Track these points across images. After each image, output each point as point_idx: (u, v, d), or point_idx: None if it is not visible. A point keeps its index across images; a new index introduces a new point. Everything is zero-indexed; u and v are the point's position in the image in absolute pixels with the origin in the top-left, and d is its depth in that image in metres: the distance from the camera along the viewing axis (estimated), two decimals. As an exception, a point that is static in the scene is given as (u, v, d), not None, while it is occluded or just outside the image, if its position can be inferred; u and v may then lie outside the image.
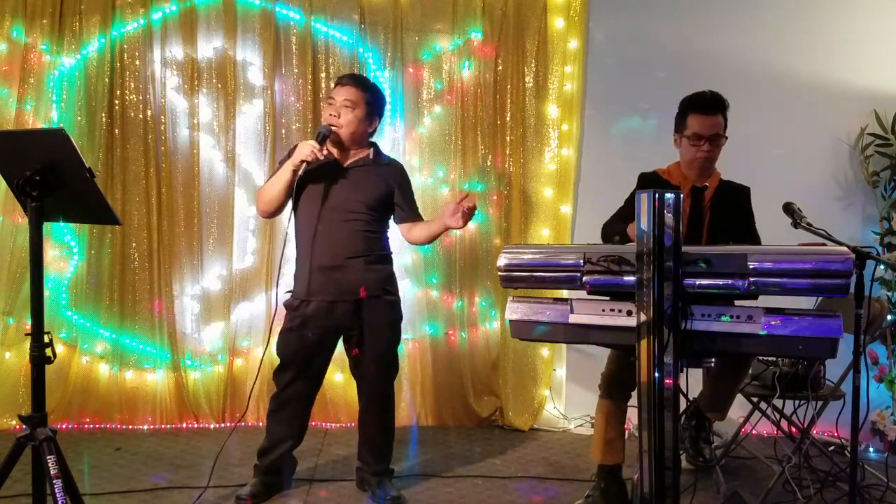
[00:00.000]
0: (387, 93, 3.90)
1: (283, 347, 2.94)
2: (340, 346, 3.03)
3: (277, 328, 3.02)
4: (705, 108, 2.80)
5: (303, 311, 2.88)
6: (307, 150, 2.75)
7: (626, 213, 2.88)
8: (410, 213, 3.00)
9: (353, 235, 2.85)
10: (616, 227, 2.74)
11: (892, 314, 3.69)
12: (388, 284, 2.96)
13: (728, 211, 2.85)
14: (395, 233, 3.06)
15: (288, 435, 2.98)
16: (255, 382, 3.23)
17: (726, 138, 2.84)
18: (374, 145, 3.00)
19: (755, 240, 2.85)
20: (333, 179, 2.87)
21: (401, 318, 3.01)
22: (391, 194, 2.94)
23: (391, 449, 3.06)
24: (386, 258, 2.97)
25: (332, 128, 2.83)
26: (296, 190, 2.83)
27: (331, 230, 2.84)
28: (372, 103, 2.89)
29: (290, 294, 2.94)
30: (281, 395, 2.97)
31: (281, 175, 2.84)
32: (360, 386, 3.02)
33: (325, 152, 2.80)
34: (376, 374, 2.96)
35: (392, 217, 3.00)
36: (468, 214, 2.79)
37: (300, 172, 2.77)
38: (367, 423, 3.02)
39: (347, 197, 2.85)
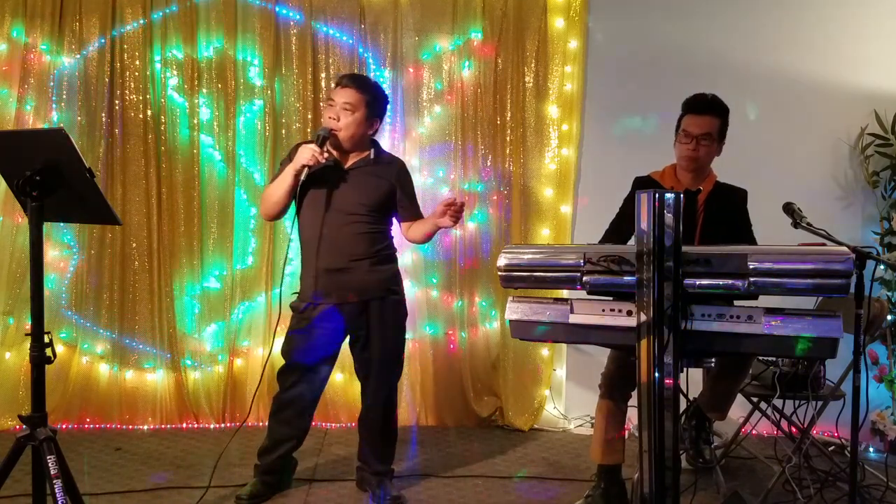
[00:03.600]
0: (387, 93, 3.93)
1: (288, 350, 2.93)
2: (344, 346, 3.02)
3: (281, 328, 3.01)
4: (698, 108, 2.83)
5: (309, 314, 2.88)
6: (308, 154, 2.74)
7: (621, 223, 2.90)
8: (411, 211, 2.99)
9: (358, 237, 2.84)
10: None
11: (892, 314, 3.69)
12: (394, 284, 2.96)
13: (722, 214, 2.85)
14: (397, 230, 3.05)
15: (290, 435, 2.98)
16: (259, 384, 3.19)
17: (721, 142, 2.84)
18: (375, 144, 2.98)
19: (749, 242, 2.83)
20: (336, 182, 2.86)
21: (406, 315, 3.02)
22: (393, 193, 2.92)
23: (393, 450, 3.06)
24: (390, 257, 2.97)
25: (332, 130, 2.82)
26: (298, 193, 2.83)
27: (335, 233, 2.83)
28: (372, 105, 2.87)
29: (296, 296, 2.94)
30: (283, 396, 2.96)
31: (283, 179, 2.83)
32: (364, 386, 3.02)
33: (325, 155, 2.79)
34: (382, 376, 2.95)
35: (395, 215, 3.00)
36: (455, 214, 2.77)
37: (302, 177, 2.77)
38: (370, 425, 3.01)
39: (350, 199, 2.85)
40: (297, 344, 2.91)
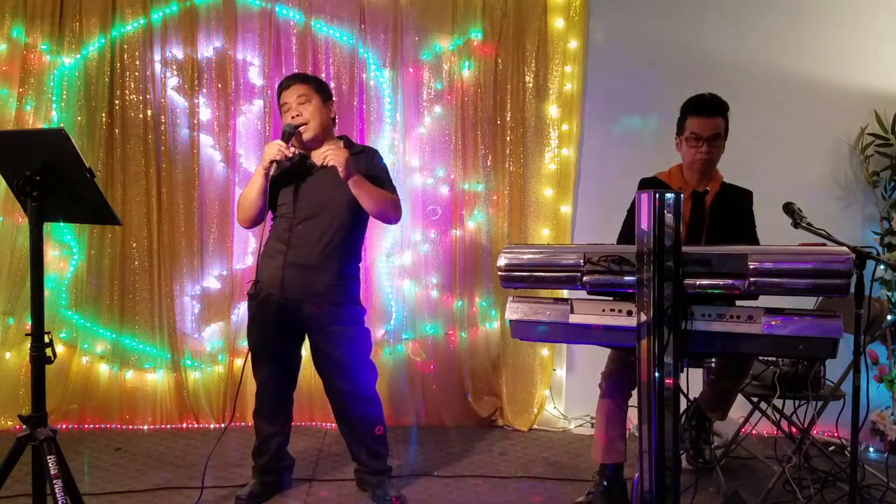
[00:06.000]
0: (386, 93, 3.93)
1: (251, 340, 2.94)
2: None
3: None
4: (704, 109, 2.82)
5: (269, 303, 2.85)
6: (274, 149, 2.73)
7: (630, 229, 2.89)
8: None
9: (331, 238, 2.82)
10: None
11: (892, 314, 3.69)
12: (356, 294, 2.95)
13: (728, 214, 2.85)
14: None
15: (274, 431, 2.98)
16: (239, 384, 3.24)
17: (725, 140, 2.85)
18: (345, 138, 2.98)
19: (754, 243, 2.83)
20: (309, 179, 2.85)
21: (367, 329, 2.98)
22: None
23: (386, 447, 3.05)
24: (356, 269, 2.96)
25: (299, 127, 2.81)
26: (273, 193, 2.83)
27: (308, 229, 2.82)
28: (321, 89, 2.90)
29: (254, 283, 2.88)
30: (261, 392, 2.98)
31: (254, 180, 2.81)
32: (326, 386, 3.00)
33: (293, 150, 2.79)
34: (349, 379, 2.92)
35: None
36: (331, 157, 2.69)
37: (272, 173, 2.78)
38: (352, 426, 3.00)
39: (326, 196, 2.82)
40: (259, 334, 2.90)
